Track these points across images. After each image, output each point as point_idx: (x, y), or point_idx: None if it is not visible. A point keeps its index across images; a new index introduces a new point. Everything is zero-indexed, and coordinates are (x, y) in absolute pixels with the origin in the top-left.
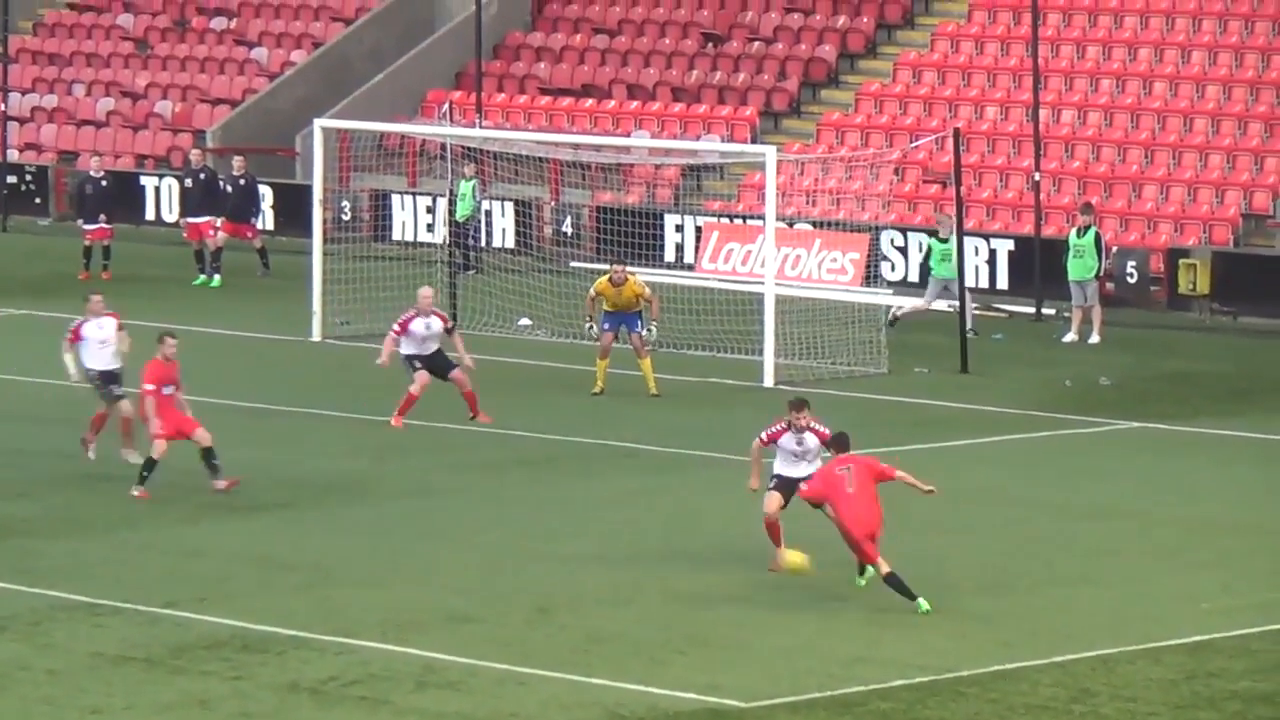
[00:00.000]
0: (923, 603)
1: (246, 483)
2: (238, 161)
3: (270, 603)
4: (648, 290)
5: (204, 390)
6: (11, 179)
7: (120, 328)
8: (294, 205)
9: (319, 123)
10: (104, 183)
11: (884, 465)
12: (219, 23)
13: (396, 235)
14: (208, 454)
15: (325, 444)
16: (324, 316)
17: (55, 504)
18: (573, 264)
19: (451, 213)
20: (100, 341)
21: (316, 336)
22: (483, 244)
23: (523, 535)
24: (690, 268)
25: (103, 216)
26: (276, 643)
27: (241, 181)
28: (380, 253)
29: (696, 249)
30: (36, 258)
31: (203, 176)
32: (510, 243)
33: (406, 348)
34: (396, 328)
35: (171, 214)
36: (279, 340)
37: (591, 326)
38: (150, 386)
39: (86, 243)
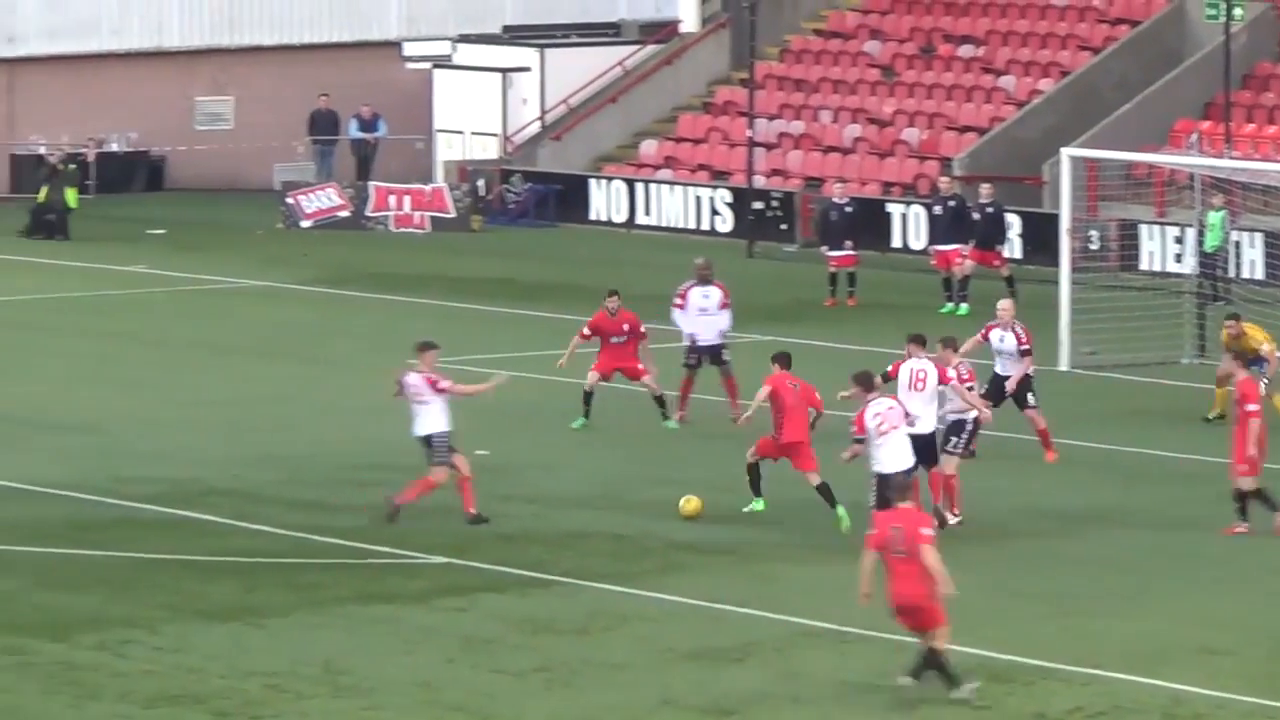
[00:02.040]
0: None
1: (987, 512)
2: (985, 189)
3: (1014, 632)
4: (1266, 347)
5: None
6: (758, 205)
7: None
8: (1041, 234)
9: (1066, 152)
10: (849, 209)
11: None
12: (966, 50)
13: (1144, 265)
14: None
15: (1071, 473)
16: (1071, 346)
17: (799, 530)
18: None
19: (1200, 243)
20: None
21: (1064, 365)
22: (1231, 275)
23: (1272, 569)
24: None
25: (849, 243)
26: (1023, 672)
27: (989, 209)
28: (1128, 283)
29: None
30: (780, 284)
31: (951, 204)
32: (1260, 274)
33: None
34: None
35: (918, 241)
36: None
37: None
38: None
39: (831, 269)
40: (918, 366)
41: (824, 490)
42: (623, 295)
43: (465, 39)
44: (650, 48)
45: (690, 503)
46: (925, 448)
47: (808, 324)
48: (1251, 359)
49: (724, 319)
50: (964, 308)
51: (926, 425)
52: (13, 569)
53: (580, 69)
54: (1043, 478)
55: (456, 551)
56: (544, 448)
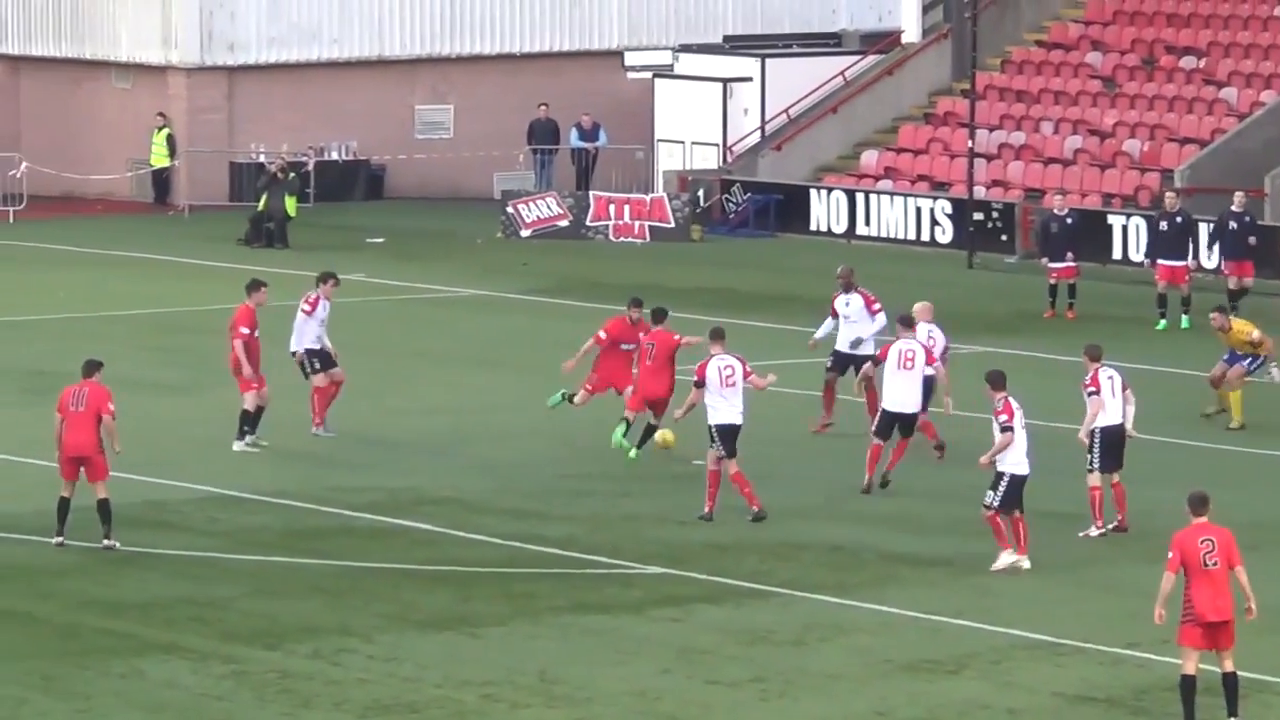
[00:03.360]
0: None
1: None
2: (1239, 198)
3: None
4: (1256, 334)
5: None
6: (978, 216)
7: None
8: (1266, 247)
9: None
10: (1069, 220)
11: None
12: (1188, 62)
13: None
14: None
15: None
16: None
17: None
18: None
19: None
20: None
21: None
22: None
23: None
24: None
25: (1070, 255)
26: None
27: (1247, 218)
28: None
29: None
30: (1001, 295)
31: (1179, 220)
32: None
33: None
34: None
35: (1139, 253)
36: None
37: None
38: None
39: (1051, 281)
40: (906, 348)
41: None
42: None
43: (686, 48)
44: (871, 58)
45: (666, 435)
46: (908, 424)
47: (1027, 335)
48: (1245, 354)
49: (873, 324)
50: (1185, 320)
51: (911, 404)
52: (229, 577)
53: (801, 79)
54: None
55: (672, 561)
56: (760, 459)
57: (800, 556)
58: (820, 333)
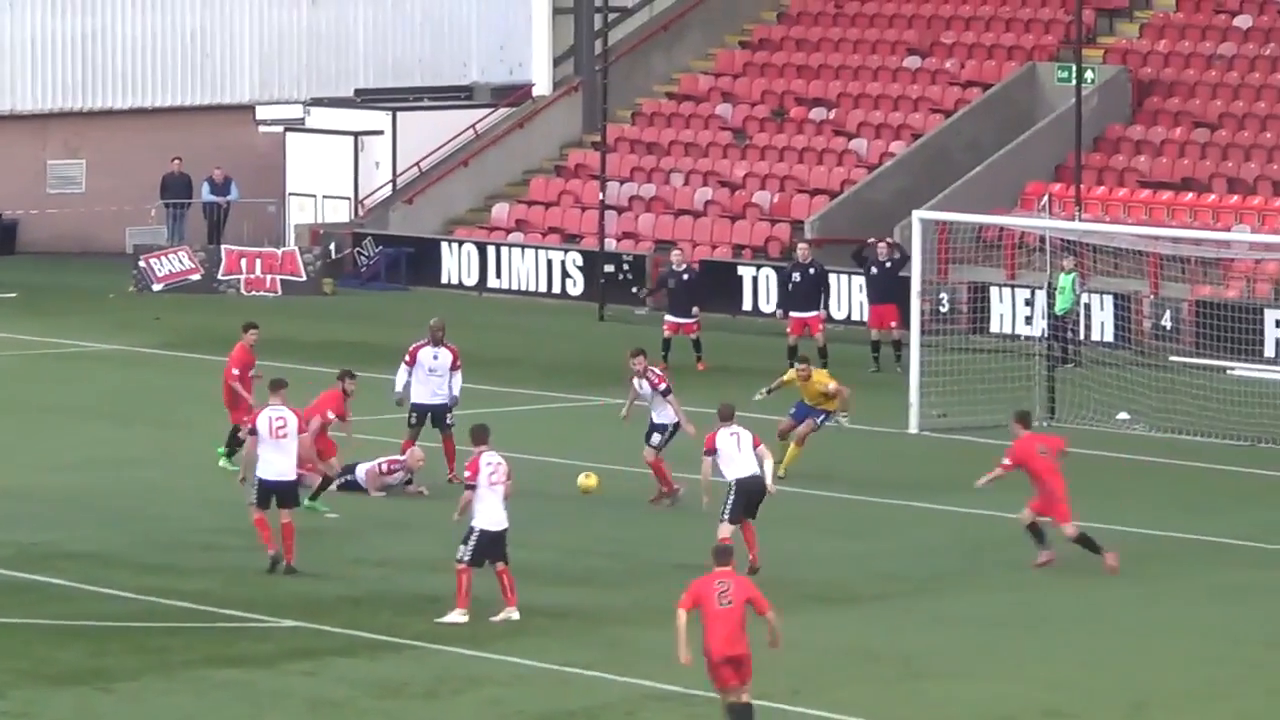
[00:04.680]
0: None
1: (844, 574)
2: (883, 248)
3: (860, 695)
4: (832, 386)
5: (804, 484)
6: (609, 268)
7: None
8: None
9: (918, 214)
10: (686, 277)
11: None
12: (818, 113)
13: (995, 328)
14: None
15: (923, 537)
16: (921, 408)
17: (650, 593)
18: (1171, 358)
19: (1050, 305)
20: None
21: (914, 428)
22: (1082, 337)
23: (1117, 630)
24: None
25: (695, 309)
26: None
27: (888, 264)
28: (978, 345)
29: None
30: (630, 347)
31: (811, 271)
32: (1109, 336)
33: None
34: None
35: (769, 304)
36: (877, 432)
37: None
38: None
39: (666, 335)
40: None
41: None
42: (472, 359)
43: (318, 102)
44: (502, 111)
45: (589, 479)
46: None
47: None
48: (818, 408)
49: (454, 381)
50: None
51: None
52: None
53: (432, 132)
54: (892, 540)
55: (306, 615)
56: (392, 508)
57: (433, 609)
58: (399, 385)
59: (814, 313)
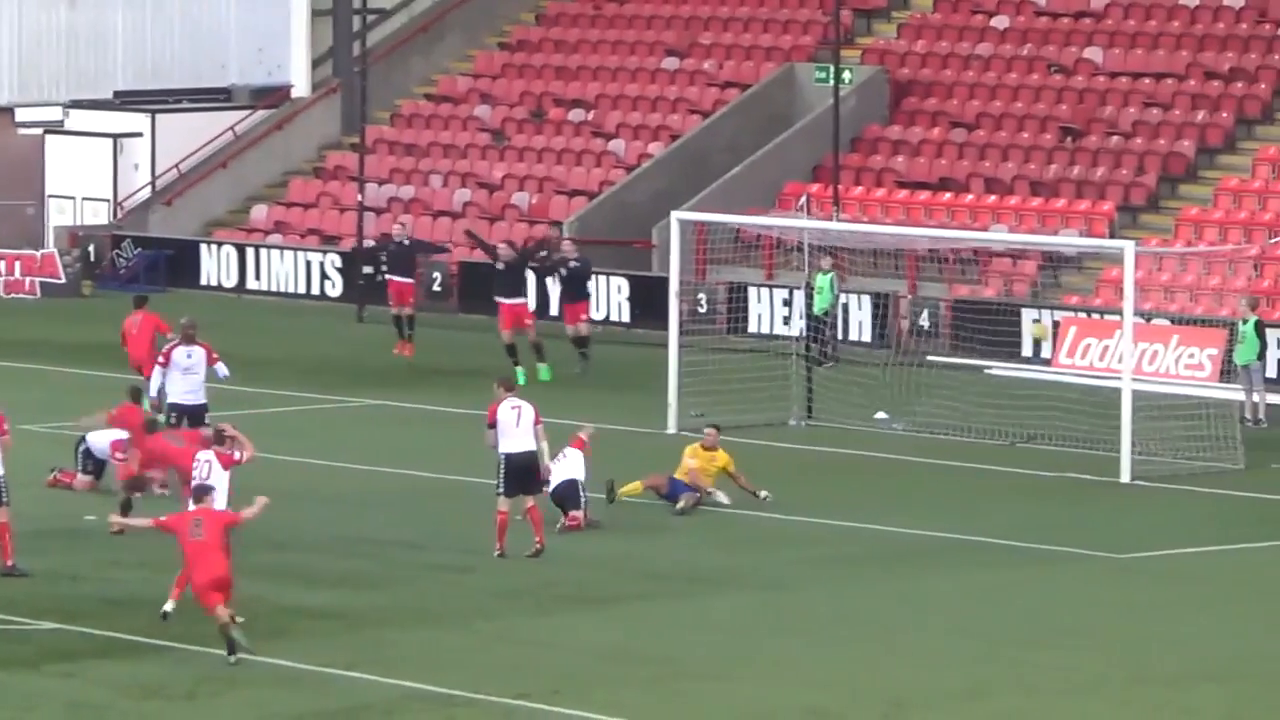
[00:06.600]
0: None
1: (604, 574)
2: (567, 245)
3: (620, 696)
4: (733, 466)
5: None
6: (367, 269)
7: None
8: (650, 297)
9: (676, 215)
10: (575, 264)
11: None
12: (576, 114)
13: (753, 328)
14: None
15: (684, 537)
16: (679, 408)
17: (408, 594)
18: (929, 358)
19: (809, 305)
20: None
21: (672, 428)
22: (840, 337)
23: (877, 629)
24: (1047, 362)
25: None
26: None
27: (574, 263)
28: (736, 345)
29: (1054, 344)
30: (389, 348)
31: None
32: (867, 336)
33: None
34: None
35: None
36: (634, 432)
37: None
38: None
39: (394, 311)
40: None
41: None
42: (232, 360)
43: (77, 104)
44: (261, 113)
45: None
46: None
47: (421, 388)
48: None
49: (219, 367)
50: (544, 370)
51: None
52: None
53: (192, 134)
54: (652, 542)
55: (65, 617)
56: (150, 509)
57: (193, 610)
58: (153, 389)
59: (521, 300)
